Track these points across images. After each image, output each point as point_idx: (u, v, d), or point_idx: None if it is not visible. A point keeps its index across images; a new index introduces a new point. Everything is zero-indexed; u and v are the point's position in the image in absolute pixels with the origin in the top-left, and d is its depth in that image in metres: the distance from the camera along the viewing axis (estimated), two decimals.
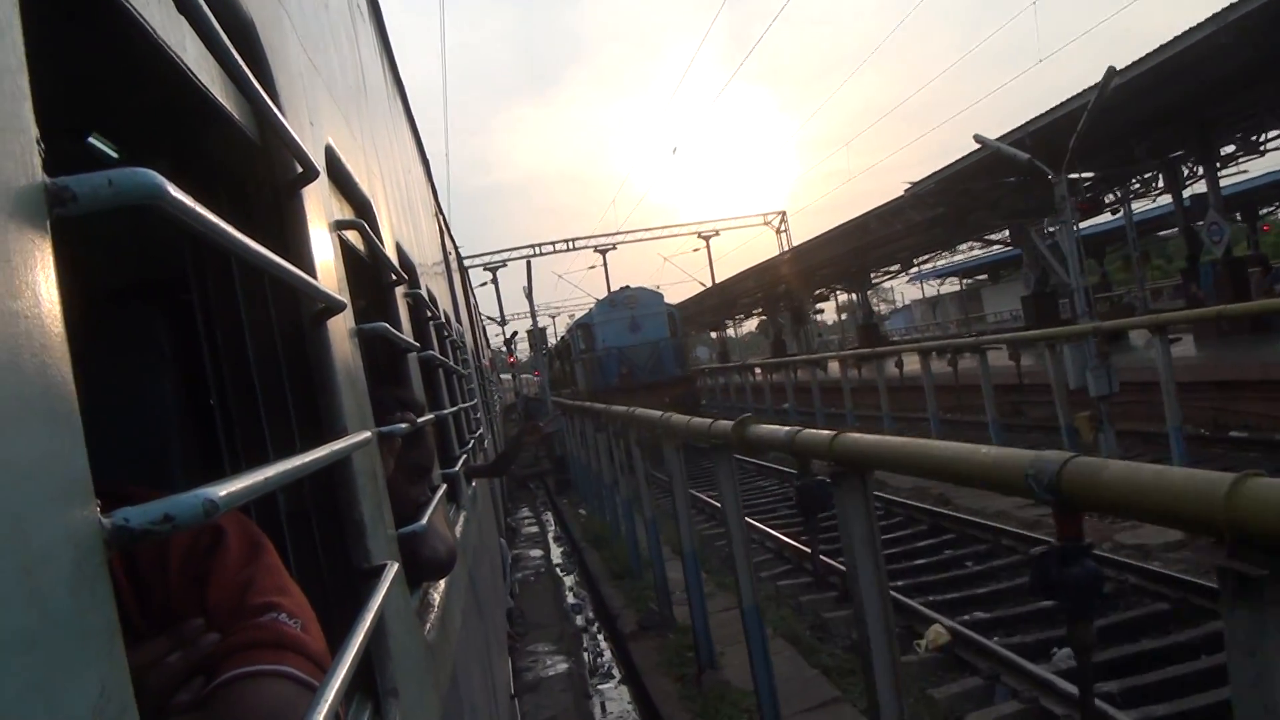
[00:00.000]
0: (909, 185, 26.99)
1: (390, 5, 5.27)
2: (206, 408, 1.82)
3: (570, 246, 51.38)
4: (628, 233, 53.79)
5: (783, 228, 53.76)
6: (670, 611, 9.55)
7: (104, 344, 1.93)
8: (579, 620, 12.18)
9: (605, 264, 50.51)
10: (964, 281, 70.55)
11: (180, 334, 1.96)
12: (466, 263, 35.93)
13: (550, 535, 20.27)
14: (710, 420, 6.08)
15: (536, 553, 17.96)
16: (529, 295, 33.41)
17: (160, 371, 2.00)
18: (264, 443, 1.70)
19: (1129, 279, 31.61)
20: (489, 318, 43.70)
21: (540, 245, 50.85)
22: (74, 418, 0.65)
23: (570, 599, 13.53)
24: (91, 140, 2.19)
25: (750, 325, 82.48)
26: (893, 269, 48.35)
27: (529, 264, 35.38)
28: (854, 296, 57.97)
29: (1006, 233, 32.91)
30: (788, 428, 4.52)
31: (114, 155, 2.26)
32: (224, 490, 0.78)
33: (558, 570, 16.01)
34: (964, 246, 44.50)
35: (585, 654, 10.75)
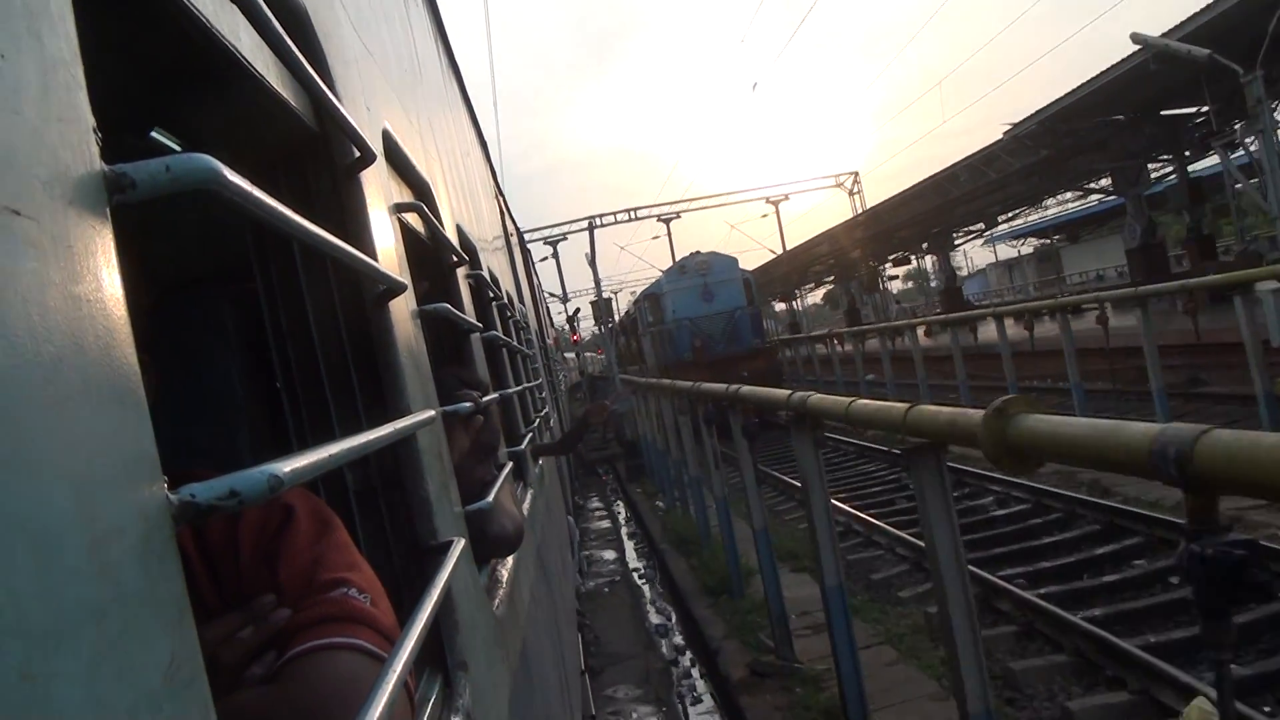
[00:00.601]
0: (1008, 127, 24.41)
1: None
2: (273, 391, 1.86)
3: (632, 216, 48.09)
4: (692, 200, 50.91)
5: (856, 189, 50.63)
6: (790, 650, 7.38)
7: (172, 330, 1.98)
8: (665, 648, 10.14)
9: (669, 234, 48.11)
10: (1039, 243, 67.03)
11: (246, 319, 2.00)
12: (527, 238, 34.52)
13: (623, 532, 17.72)
14: (943, 410, 3.71)
15: (609, 555, 15.83)
16: (592, 263, 31.52)
17: (227, 356, 2.04)
18: (330, 424, 1.73)
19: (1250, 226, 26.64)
20: (550, 294, 41.54)
21: (601, 216, 46.71)
22: (139, 397, 0.67)
23: (653, 616, 11.51)
24: (155, 135, 2.24)
25: (815, 297, 79.99)
26: (975, 228, 44.55)
27: (591, 231, 33.63)
28: (924, 261, 55.84)
29: (1106, 181, 29.57)
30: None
31: (176, 150, 2.31)
32: (289, 466, 0.80)
33: (635, 578, 13.72)
34: (1052, 201, 41.84)
35: (678, 701, 8.54)
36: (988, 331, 19.20)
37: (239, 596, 1.28)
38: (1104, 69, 19.75)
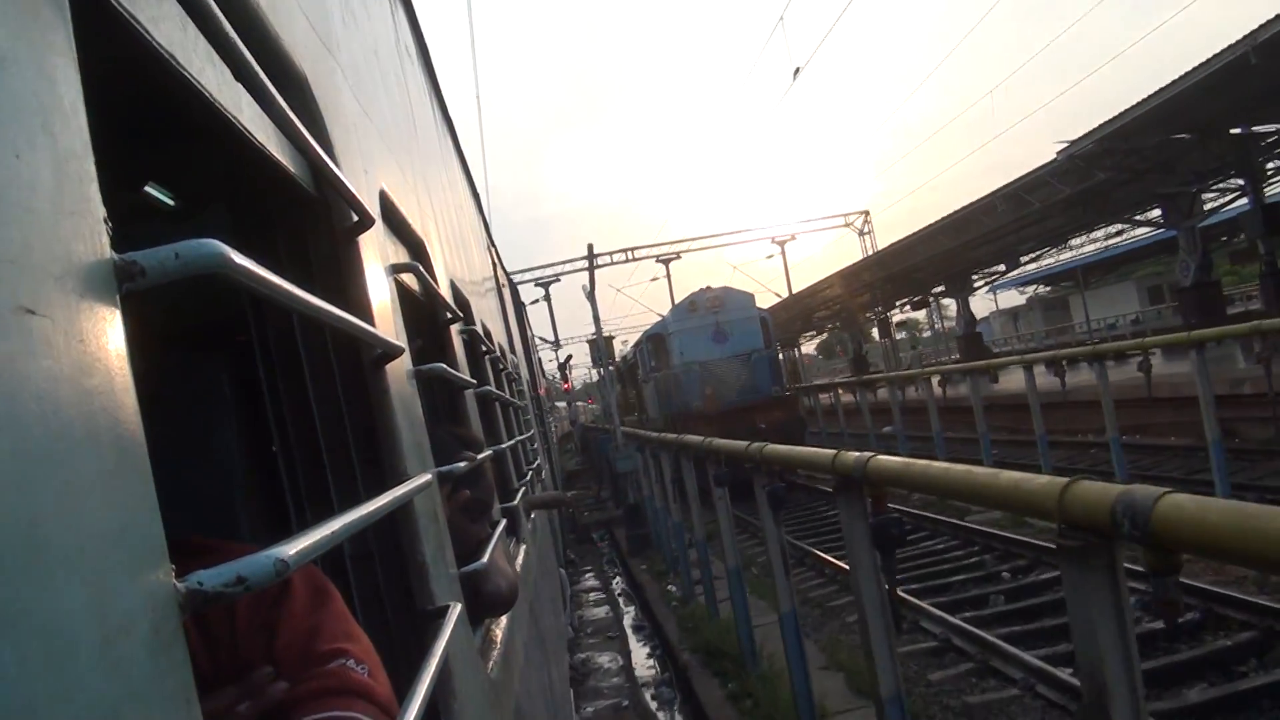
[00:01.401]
0: (1063, 146, 21.52)
1: (436, 42, 5.34)
2: (270, 452, 1.85)
3: (630, 257, 45.92)
4: (692, 240, 48.22)
5: (866, 229, 48.56)
6: None
7: (169, 393, 1.97)
8: None
9: (669, 275, 44.93)
10: (1044, 290, 64.10)
11: (242, 379, 2.00)
12: (517, 278, 32.20)
13: (627, 624, 13.93)
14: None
15: (609, 661, 11.98)
16: (591, 297, 28.70)
17: (224, 418, 2.04)
18: (327, 488, 1.72)
19: None
20: (541, 339, 39.24)
21: (597, 256, 43.71)
22: (149, 487, 0.67)
23: None
24: (149, 189, 2.25)
25: (809, 346, 77.90)
26: (994, 270, 41.25)
27: (591, 261, 31.34)
28: (920, 311, 54.10)
29: (1155, 213, 26.03)
30: None
31: (170, 204, 2.32)
32: (294, 548, 0.80)
33: (649, 701, 10.04)
34: (1077, 241, 38.31)
35: None
36: (1008, 381, 18.61)
37: (235, 666, 1.26)
38: (1191, 68, 16.86)
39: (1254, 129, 20.54)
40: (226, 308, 2.07)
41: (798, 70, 31.87)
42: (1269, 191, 24.86)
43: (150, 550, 0.65)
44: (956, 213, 28.60)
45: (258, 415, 1.88)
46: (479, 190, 9.54)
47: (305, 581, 1.37)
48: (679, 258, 45.87)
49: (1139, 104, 18.35)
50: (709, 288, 25.98)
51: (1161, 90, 17.65)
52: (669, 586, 13.31)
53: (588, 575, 19.15)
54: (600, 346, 24.28)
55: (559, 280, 42.14)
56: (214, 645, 1.30)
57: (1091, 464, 15.97)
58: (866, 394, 24.20)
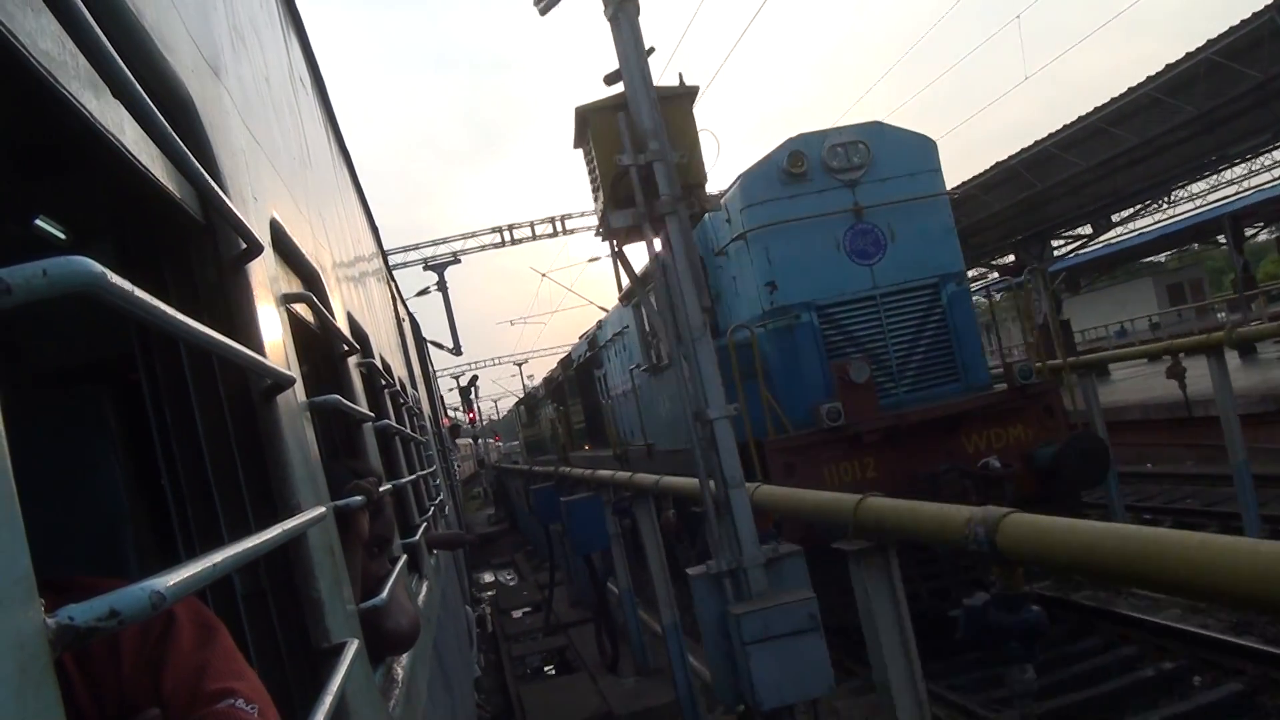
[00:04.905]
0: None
1: (333, 75, 5.29)
2: (159, 487, 1.79)
3: (558, 229, 33.08)
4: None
5: None
6: None
7: (51, 427, 1.90)
8: None
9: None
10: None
11: (130, 413, 1.93)
12: (398, 258, 27.15)
13: None
14: None
15: None
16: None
17: (109, 452, 1.97)
18: (217, 522, 1.67)
19: None
20: (434, 343, 29.03)
21: (513, 227, 32.66)
22: (14, 513, 0.63)
23: None
24: (38, 223, 2.17)
25: None
26: (1081, 230, 30.00)
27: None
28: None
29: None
30: None
31: (61, 237, 2.24)
32: (171, 580, 0.77)
33: None
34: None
35: None
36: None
37: (121, 707, 1.21)
38: None
39: None
40: (116, 344, 2.00)
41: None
42: None
43: (15, 584, 0.61)
44: (1036, 146, 20.46)
45: (147, 451, 1.82)
46: (378, 226, 9.43)
47: (191, 618, 1.32)
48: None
49: None
50: (832, 130, 11.12)
51: None
52: None
53: None
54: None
55: (459, 261, 32.91)
56: (98, 685, 1.25)
57: None
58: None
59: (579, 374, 22.17)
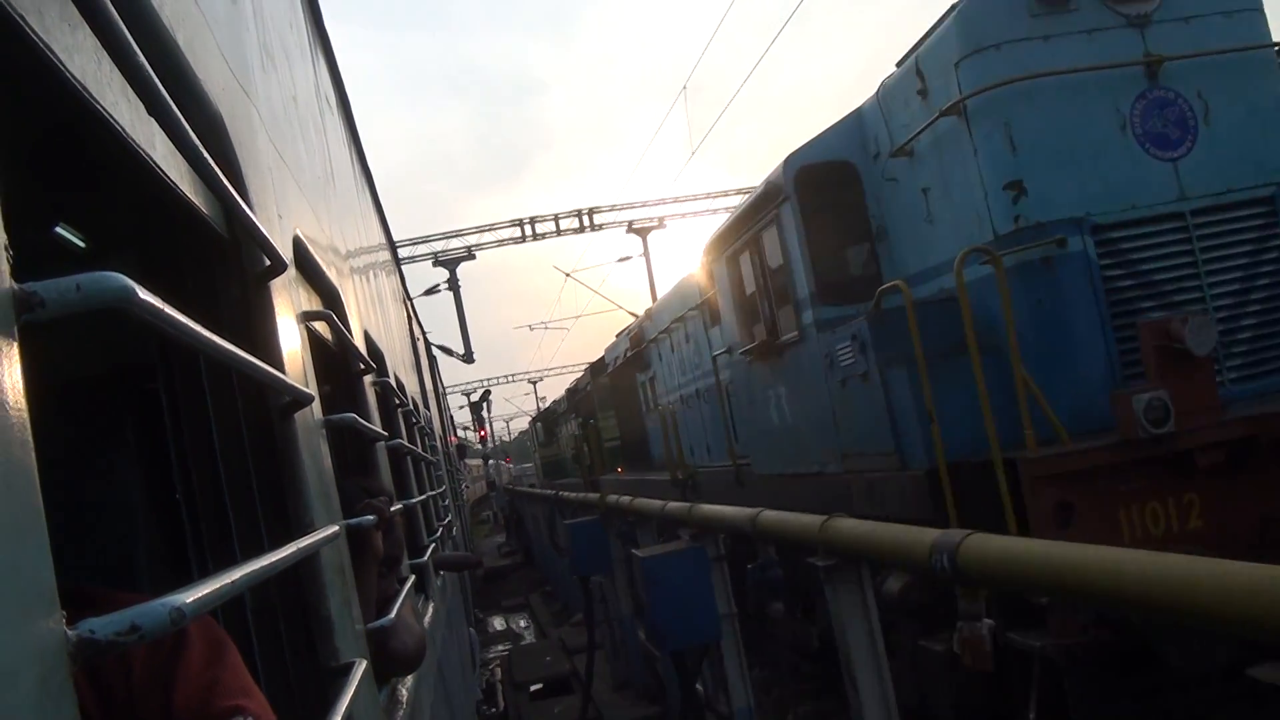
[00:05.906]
0: None
1: (358, 96, 5.33)
2: (173, 500, 1.79)
3: (585, 224, 29.40)
4: (684, 200, 30.47)
5: None
6: None
7: (71, 435, 1.90)
8: None
9: (646, 250, 29.43)
10: None
11: (147, 424, 1.94)
12: (406, 252, 24.91)
13: None
14: None
15: None
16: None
17: (126, 463, 1.97)
18: (230, 537, 1.67)
19: None
20: (440, 348, 26.70)
21: (534, 220, 29.08)
22: (40, 529, 0.64)
23: None
24: (59, 230, 2.19)
25: None
26: None
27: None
28: None
29: None
30: None
31: (81, 245, 2.26)
32: (190, 597, 0.77)
33: None
34: None
35: None
36: None
37: None
38: None
39: None
40: (137, 352, 2.01)
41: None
42: None
43: (39, 596, 0.62)
44: None
45: (163, 463, 1.83)
46: (396, 245, 9.48)
47: (202, 634, 1.32)
48: (662, 225, 29.79)
49: None
50: None
51: None
52: None
53: None
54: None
55: (473, 257, 29.16)
56: (108, 700, 1.25)
57: None
58: None
59: (614, 380, 18.24)
